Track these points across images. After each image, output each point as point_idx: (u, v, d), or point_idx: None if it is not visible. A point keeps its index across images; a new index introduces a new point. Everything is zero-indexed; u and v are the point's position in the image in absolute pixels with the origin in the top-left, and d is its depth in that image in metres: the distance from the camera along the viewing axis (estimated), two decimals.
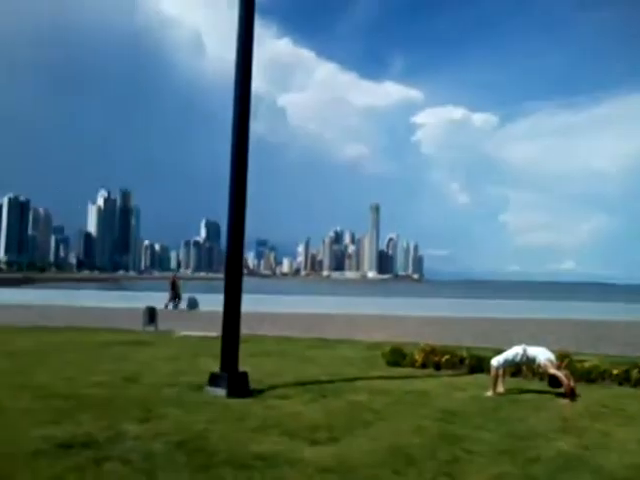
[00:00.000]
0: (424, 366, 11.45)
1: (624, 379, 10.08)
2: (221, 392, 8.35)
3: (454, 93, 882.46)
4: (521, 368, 9.98)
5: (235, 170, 9.09)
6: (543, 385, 9.17)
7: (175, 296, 30.48)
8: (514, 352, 8.97)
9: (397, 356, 11.85)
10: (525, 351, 8.91)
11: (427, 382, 9.72)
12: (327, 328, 20.88)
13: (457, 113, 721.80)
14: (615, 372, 10.19)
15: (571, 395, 8.33)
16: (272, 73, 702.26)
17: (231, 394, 8.27)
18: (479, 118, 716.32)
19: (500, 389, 8.97)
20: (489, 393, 8.69)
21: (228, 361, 8.72)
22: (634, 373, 10.13)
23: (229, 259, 9.20)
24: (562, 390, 8.49)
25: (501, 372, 9.03)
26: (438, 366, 11.38)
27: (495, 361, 8.92)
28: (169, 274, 57.63)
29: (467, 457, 5.49)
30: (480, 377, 10.06)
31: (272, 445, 5.79)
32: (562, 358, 10.35)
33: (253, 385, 8.74)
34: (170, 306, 29.90)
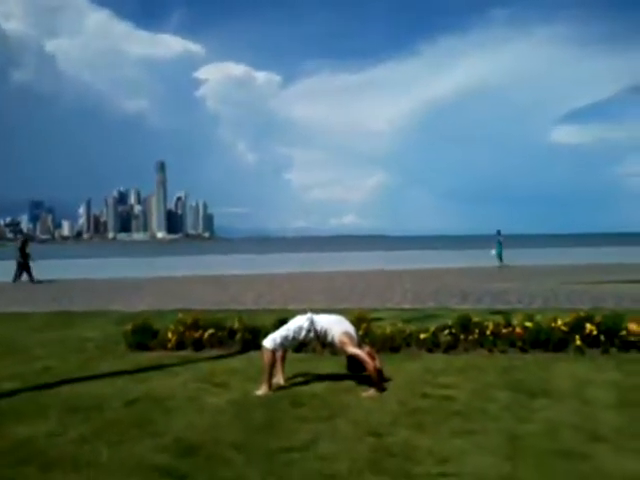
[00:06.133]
0: (181, 346, 8.30)
1: (433, 344, 7.93)
2: None
3: (235, 49, 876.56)
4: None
5: None
6: (339, 363, 6.55)
7: (26, 265, 23.54)
8: (297, 325, 6.07)
9: (143, 335, 8.51)
10: (312, 323, 6.05)
11: (170, 378, 6.46)
12: (83, 297, 16.80)
13: (239, 70, 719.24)
14: (422, 336, 7.97)
15: (378, 382, 5.71)
16: (38, 16, 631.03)
17: None
18: (262, 76, 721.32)
19: (280, 380, 6.12)
20: (260, 391, 5.73)
21: None
22: (442, 336, 8.01)
23: None
24: (366, 373, 5.88)
25: (280, 355, 6.16)
26: (200, 344, 8.31)
27: (270, 341, 5.95)
28: None
29: None
30: (255, 358, 7.14)
31: None
32: (359, 324, 7.88)
33: None
34: (24, 277, 23.28)
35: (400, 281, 19.85)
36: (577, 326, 7.88)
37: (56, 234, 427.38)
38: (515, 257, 30.92)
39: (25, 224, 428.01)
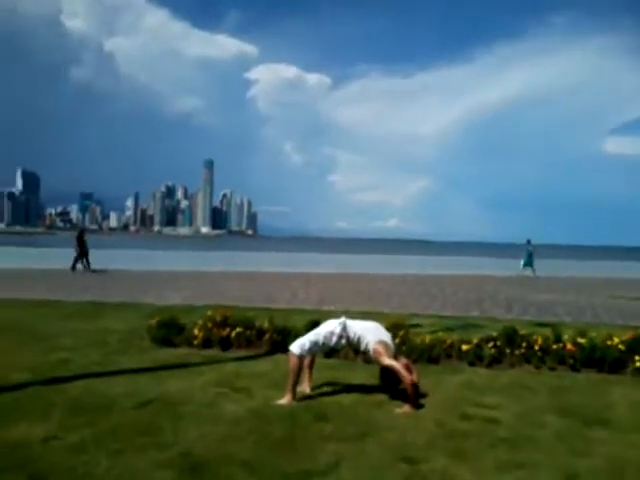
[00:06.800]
0: (207, 344, 7.90)
1: (475, 356, 7.32)
2: None
3: (288, 51, 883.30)
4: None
5: None
6: (372, 373, 6.02)
7: (83, 254, 23.87)
8: (328, 330, 5.56)
9: (169, 331, 8.14)
10: (345, 329, 5.54)
11: (189, 379, 6.01)
12: (119, 287, 16.66)
13: (291, 71, 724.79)
14: (465, 348, 7.37)
15: (414, 398, 5.16)
16: (98, 14, 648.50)
17: None
18: (313, 78, 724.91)
19: (306, 389, 5.64)
20: (283, 401, 5.24)
21: None
22: (487, 349, 7.39)
23: None
24: (401, 388, 5.33)
25: (307, 361, 5.68)
26: (227, 343, 7.89)
27: (297, 347, 5.45)
28: None
29: None
30: (282, 361, 6.64)
31: None
32: (396, 331, 7.33)
33: None
34: (80, 266, 23.57)
35: (441, 287, 19.15)
36: (636, 345, 7.17)
37: (103, 225, 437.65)
38: (560, 268, 29.80)
39: (75, 214, 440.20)
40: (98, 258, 27.01)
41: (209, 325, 8.12)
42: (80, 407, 4.86)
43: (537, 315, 12.45)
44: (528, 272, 27.10)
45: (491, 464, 3.88)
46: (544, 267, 29.37)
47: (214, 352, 7.58)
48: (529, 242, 28.31)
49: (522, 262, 27.94)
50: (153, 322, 8.26)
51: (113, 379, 5.92)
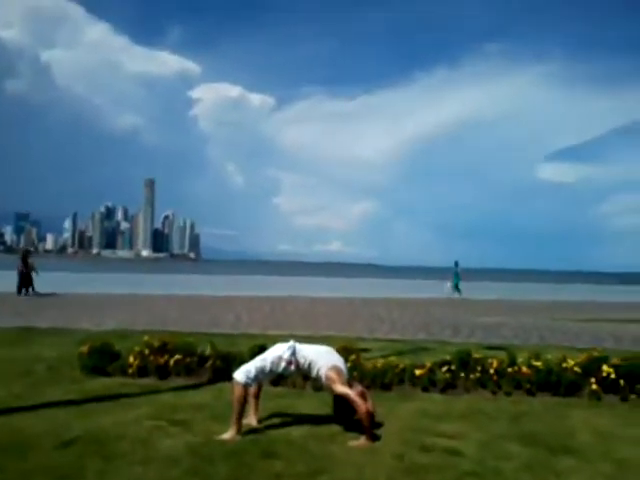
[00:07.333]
0: (143, 373, 7.30)
1: (429, 381, 7.00)
2: None
3: (231, 70, 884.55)
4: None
5: None
6: (323, 401, 5.61)
7: (27, 276, 22.00)
8: (275, 355, 5.10)
9: (101, 358, 7.51)
10: (295, 353, 5.10)
11: (122, 413, 5.41)
12: (53, 312, 15.70)
13: (234, 91, 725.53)
14: (418, 373, 7.04)
15: (369, 428, 4.74)
16: (35, 25, 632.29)
17: None
18: (256, 98, 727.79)
19: (252, 421, 5.16)
20: (227, 435, 4.72)
21: None
22: (440, 373, 7.09)
23: None
24: (357, 417, 4.92)
25: (253, 391, 5.21)
26: (164, 371, 7.31)
27: (242, 374, 4.96)
28: None
29: None
30: (226, 390, 6.13)
31: None
32: (346, 355, 6.93)
33: None
34: (29, 290, 21.83)
35: (387, 310, 18.93)
36: (591, 368, 7.01)
37: (40, 247, 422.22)
38: (499, 291, 30.24)
39: (9, 236, 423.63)
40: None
41: (146, 352, 7.53)
42: None
43: (485, 337, 12.34)
44: (456, 294, 27.46)
45: None
46: (482, 290, 29.66)
47: (150, 381, 7.01)
48: (457, 264, 28.78)
49: (452, 284, 28.34)
50: (84, 349, 7.60)
51: (34, 414, 5.29)
